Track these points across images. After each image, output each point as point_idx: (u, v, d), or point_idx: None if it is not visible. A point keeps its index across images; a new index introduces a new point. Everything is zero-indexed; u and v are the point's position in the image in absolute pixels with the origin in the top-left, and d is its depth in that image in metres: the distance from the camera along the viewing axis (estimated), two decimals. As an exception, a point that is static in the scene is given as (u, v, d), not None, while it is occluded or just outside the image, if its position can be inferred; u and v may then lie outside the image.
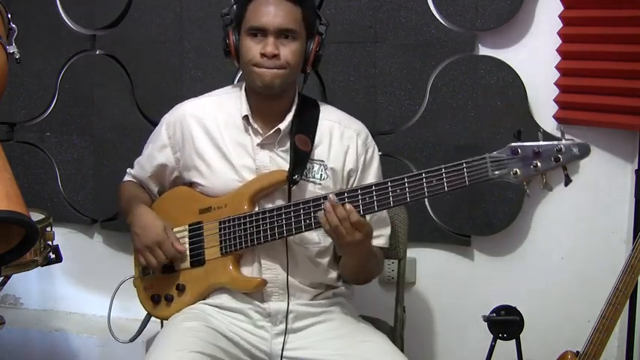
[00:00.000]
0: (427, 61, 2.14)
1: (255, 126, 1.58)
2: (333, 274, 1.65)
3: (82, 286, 2.60)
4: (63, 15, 2.42)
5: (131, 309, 1.81)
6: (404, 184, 1.39)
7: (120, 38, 2.38)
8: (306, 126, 1.59)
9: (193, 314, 1.56)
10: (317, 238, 1.59)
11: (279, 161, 1.57)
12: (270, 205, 1.54)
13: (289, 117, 1.58)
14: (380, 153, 2.17)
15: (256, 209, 1.54)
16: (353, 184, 1.60)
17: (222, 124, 1.60)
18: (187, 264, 1.60)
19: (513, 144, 1.34)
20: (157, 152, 1.68)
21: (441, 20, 2.13)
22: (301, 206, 1.47)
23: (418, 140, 2.18)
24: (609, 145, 2.09)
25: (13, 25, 1.28)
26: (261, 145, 1.58)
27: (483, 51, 2.14)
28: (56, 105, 2.47)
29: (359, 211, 1.40)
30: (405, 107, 2.18)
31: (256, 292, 1.56)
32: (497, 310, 1.85)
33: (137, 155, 1.77)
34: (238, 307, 1.57)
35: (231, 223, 1.55)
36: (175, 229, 1.62)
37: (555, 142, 1.31)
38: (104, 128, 2.42)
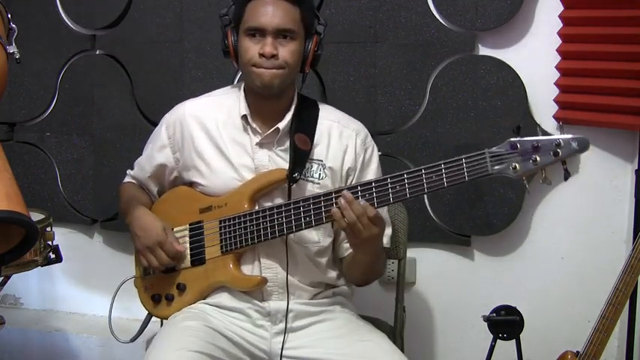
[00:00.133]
0: (427, 61, 2.14)
1: (254, 125, 1.58)
2: (333, 274, 1.65)
3: (82, 286, 2.60)
4: (63, 15, 2.42)
5: (132, 309, 1.82)
6: (403, 180, 1.39)
7: (120, 38, 2.38)
8: (305, 125, 1.59)
9: (193, 314, 1.56)
10: (316, 237, 1.59)
11: (277, 160, 1.57)
12: (269, 204, 1.54)
13: (288, 116, 1.58)
14: (380, 153, 2.18)
15: (256, 208, 1.54)
16: (351, 183, 1.61)
17: (222, 124, 1.61)
18: (188, 263, 1.61)
19: (512, 139, 1.34)
20: (156, 152, 1.68)
21: (441, 20, 2.13)
22: (301, 204, 1.47)
23: (418, 140, 2.18)
24: (609, 145, 2.09)
25: (13, 25, 1.28)
26: (260, 145, 1.58)
27: (483, 51, 2.14)
28: (56, 105, 2.47)
29: None
30: (405, 107, 2.18)
31: (256, 291, 1.56)
32: (497, 310, 1.85)
33: (137, 155, 1.77)
34: (238, 306, 1.57)
35: (232, 222, 1.55)
36: (176, 229, 1.62)
37: (554, 137, 1.31)
38: (104, 128, 2.42)
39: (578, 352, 1.75)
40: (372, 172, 1.64)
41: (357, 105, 2.19)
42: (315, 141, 1.59)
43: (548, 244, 2.18)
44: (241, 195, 1.55)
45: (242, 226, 1.53)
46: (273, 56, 1.49)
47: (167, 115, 1.70)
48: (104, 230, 2.52)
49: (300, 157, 1.55)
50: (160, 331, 1.57)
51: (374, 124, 2.18)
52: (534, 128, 1.36)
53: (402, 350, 1.78)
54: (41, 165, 2.50)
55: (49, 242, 1.88)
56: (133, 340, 1.70)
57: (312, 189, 1.56)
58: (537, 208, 2.18)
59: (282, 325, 1.54)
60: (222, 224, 1.56)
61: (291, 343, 1.54)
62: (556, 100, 2.08)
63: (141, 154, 1.76)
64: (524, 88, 2.08)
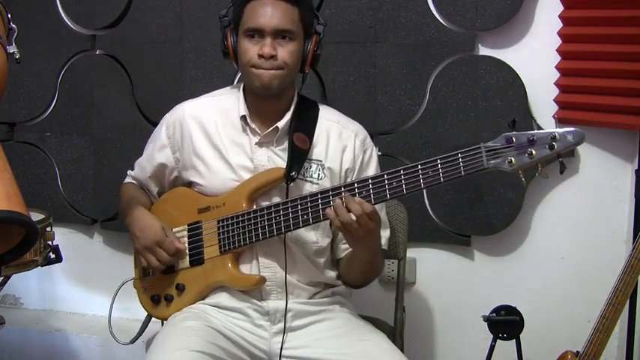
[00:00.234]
0: (427, 61, 2.14)
1: (253, 126, 1.58)
2: (332, 274, 1.65)
3: (82, 286, 2.60)
4: (63, 15, 2.42)
5: (131, 309, 1.82)
6: (400, 176, 1.39)
7: (120, 38, 2.38)
8: (304, 125, 1.59)
9: (193, 313, 1.56)
10: (314, 237, 1.59)
11: (277, 160, 1.57)
12: (267, 203, 1.54)
13: (287, 116, 1.58)
14: (379, 153, 2.18)
15: (254, 207, 1.54)
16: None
17: (221, 125, 1.61)
18: (187, 263, 1.61)
19: (508, 133, 1.34)
20: (156, 152, 1.68)
21: (441, 20, 2.13)
22: (298, 202, 1.47)
23: (418, 140, 2.18)
24: (609, 145, 2.09)
25: (13, 25, 1.28)
26: (260, 144, 1.58)
27: (483, 51, 2.14)
28: (56, 105, 2.47)
29: None
30: (405, 107, 2.18)
31: (255, 290, 1.56)
32: (497, 310, 1.85)
33: (137, 155, 1.77)
34: (237, 306, 1.57)
35: (230, 222, 1.55)
36: (175, 229, 1.63)
37: (550, 130, 1.31)
38: (104, 128, 2.42)
39: (578, 352, 1.75)
40: (372, 173, 1.63)
41: (357, 105, 2.19)
42: (314, 141, 1.59)
43: (548, 244, 2.18)
44: (239, 194, 1.55)
45: (240, 225, 1.53)
46: (272, 57, 1.49)
47: (167, 116, 1.70)
48: (104, 230, 2.52)
49: (299, 156, 1.55)
50: (161, 331, 1.57)
51: (374, 124, 2.18)
52: (533, 126, 1.36)
53: (402, 350, 1.78)
54: (41, 165, 2.50)
55: (49, 242, 1.88)
56: (133, 341, 1.71)
57: (310, 189, 1.55)
58: (537, 208, 2.18)
59: (281, 325, 1.54)
60: (221, 224, 1.57)
61: (291, 342, 1.54)
62: (556, 100, 2.08)
63: (141, 154, 1.76)
64: (524, 88, 2.08)
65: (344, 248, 1.64)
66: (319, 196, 1.45)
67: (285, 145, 1.57)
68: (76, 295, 2.61)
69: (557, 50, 2.04)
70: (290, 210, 1.48)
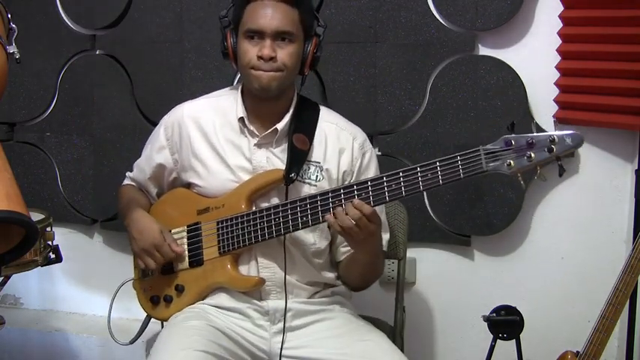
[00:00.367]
0: (427, 61, 2.14)
1: (251, 128, 1.58)
2: (331, 275, 1.65)
3: (82, 286, 2.60)
4: (63, 15, 2.42)
5: (131, 309, 1.82)
6: (399, 178, 1.39)
7: (120, 38, 2.38)
8: (304, 126, 1.59)
9: (195, 313, 1.57)
10: (312, 239, 1.59)
11: (275, 161, 1.57)
12: (266, 205, 1.54)
13: (287, 117, 1.58)
14: (379, 153, 2.19)
15: (253, 208, 1.54)
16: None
17: (219, 126, 1.61)
18: (186, 264, 1.61)
19: (507, 136, 1.34)
20: (155, 153, 1.68)
21: (441, 20, 2.13)
22: (298, 204, 1.47)
23: (418, 140, 2.18)
24: (609, 145, 2.09)
25: (13, 25, 1.28)
26: (259, 145, 1.58)
27: (483, 51, 2.14)
28: (56, 105, 2.47)
29: None
30: (405, 107, 2.18)
31: (254, 290, 1.56)
32: (497, 310, 1.85)
33: (137, 155, 1.77)
34: (237, 306, 1.57)
35: (229, 223, 1.55)
36: (174, 231, 1.62)
37: (549, 133, 1.31)
38: (104, 128, 2.42)
39: (578, 352, 1.75)
40: (371, 176, 1.63)
41: (357, 105, 2.19)
42: (313, 143, 1.58)
43: (548, 244, 2.18)
44: (238, 196, 1.55)
45: (239, 226, 1.53)
46: (272, 59, 1.49)
47: (166, 117, 1.70)
48: (104, 230, 2.52)
49: (298, 158, 1.55)
50: (163, 331, 1.57)
51: (374, 124, 2.18)
52: (531, 127, 1.36)
53: (402, 350, 1.78)
54: (41, 165, 2.50)
55: (49, 242, 1.88)
56: (133, 341, 1.71)
57: (309, 191, 1.55)
58: (537, 208, 2.18)
59: (281, 325, 1.54)
60: (220, 225, 1.57)
61: (291, 342, 1.54)
62: (556, 100, 2.08)
63: (140, 155, 1.76)
64: (524, 88, 2.08)
65: (343, 251, 1.64)
66: (318, 198, 1.45)
67: (284, 146, 1.57)
68: (76, 295, 2.61)
69: (557, 50, 2.04)
70: (289, 212, 1.48)
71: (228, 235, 1.55)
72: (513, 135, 1.33)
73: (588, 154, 2.10)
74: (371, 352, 1.49)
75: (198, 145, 1.61)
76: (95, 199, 2.46)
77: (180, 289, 1.61)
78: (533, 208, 2.18)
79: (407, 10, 2.14)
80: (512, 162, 1.32)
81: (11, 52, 1.22)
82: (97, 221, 2.51)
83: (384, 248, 1.65)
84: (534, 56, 2.09)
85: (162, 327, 1.68)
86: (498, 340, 1.86)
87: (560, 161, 1.33)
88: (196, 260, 1.60)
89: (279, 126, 1.57)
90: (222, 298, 1.59)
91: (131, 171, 1.79)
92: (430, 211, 2.21)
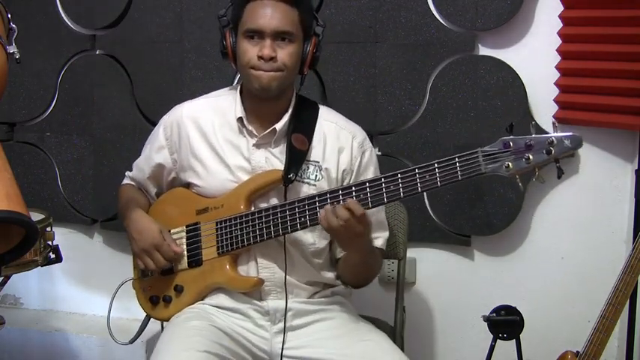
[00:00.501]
0: (427, 61, 2.14)
1: (250, 128, 1.58)
2: (330, 275, 1.65)
3: (82, 286, 2.60)
4: (63, 15, 2.42)
5: (131, 309, 1.82)
6: (397, 180, 1.39)
7: (120, 38, 2.38)
8: (303, 126, 1.59)
9: (196, 313, 1.56)
10: (312, 239, 1.59)
11: (274, 161, 1.57)
12: (265, 205, 1.54)
13: (286, 117, 1.58)
14: (379, 153, 2.19)
15: (252, 209, 1.54)
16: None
17: (218, 126, 1.61)
18: (185, 265, 1.61)
19: (505, 137, 1.33)
20: (154, 153, 1.68)
21: (441, 20, 2.13)
22: (296, 204, 1.47)
23: (418, 140, 2.18)
24: (609, 145, 2.09)
25: (13, 25, 1.28)
26: (257, 146, 1.58)
27: (483, 51, 2.14)
28: (56, 105, 2.47)
29: None
30: (405, 107, 2.18)
31: (253, 291, 1.56)
32: (497, 310, 1.85)
33: (137, 155, 1.77)
34: (237, 306, 1.57)
35: (228, 223, 1.55)
36: (173, 231, 1.62)
37: (547, 135, 1.31)
38: (104, 128, 2.42)
39: (578, 352, 1.75)
40: (371, 176, 1.62)
41: (357, 105, 2.19)
42: (312, 142, 1.58)
43: (548, 244, 2.18)
44: (237, 196, 1.55)
45: (238, 227, 1.53)
46: (272, 59, 1.48)
47: (165, 117, 1.70)
48: (104, 230, 2.52)
49: (297, 158, 1.54)
50: (165, 331, 1.57)
51: (374, 124, 2.18)
52: (529, 127, 1.36)
53: (402, 350, 1.78)
54: (41, 165, 2.50)
55: (49, 242, 1.88)
56: (132, 341, 1.71)
57: (307, 190, 1.55)
58: (537, 208, 2.18)
59: (281, 325, 1.54)
60: (219, 225, 1.56)
61: (292, 342, 1.54)
62: (556, 100, 2.08)
63: (140, 155, 1.76)
64: (524, 88, 2.08)
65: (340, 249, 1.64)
66: (317, 199, 1.45)
67: (283, 146, 1.57)
68: (76, 295, 2.61)
69: (557, 50, 2.04)
70: (287, 212, 1.48)
71: (227, 235, 1.55)
72: (512, 137, 1.33)
73: (588, 154, 2.10)
74: (371, 352, 1.49)
75: (197, 145, 1.61)
76: (95, 199, 2.46)
77: (179, 290, 1.61)
78: (533, 208, 2.17)
79: (407, 10, 2.14)
80: (510, 164, 1.32)
81: (11, 52, 1.22)
82: (97, 221, 2.51)
83: (383, 247, 1.65)
84: (534, 56, 2.09)
85: (162, 327, 1.69)
86: (498, 340, 1.86)
87: (559, 163, 1.33)
88: (195, 260, 1.60)
89: (278, 126, 1.57)
90: (222, 299, 1.59)
91: (131, 170, 1.78)
92: (430, 211, 2.21)
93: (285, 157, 1.55)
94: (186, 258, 1.61)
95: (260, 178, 1.55)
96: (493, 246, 2.22)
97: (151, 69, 2.36)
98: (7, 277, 1.92)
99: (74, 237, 2.55)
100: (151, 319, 1.70)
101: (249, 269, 1.57)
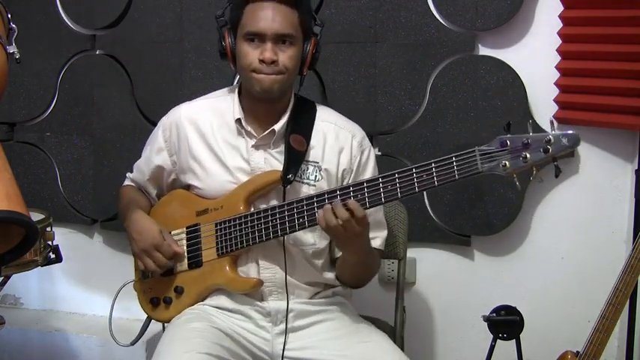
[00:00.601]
0: (427, 61, 2.14)
1: (249, 129, 1.57)
2: (330, 275, 1.65)
3: (82, 286, 2.60)
4: (63, 15, 2.42)
5: (132, 309, 1.82)
6: (394, 179, 1.39)
7: (120, 38, 2.38)
8: (302, 127, 1.59)
9: (196, 315, 1.56)
10: (312, 239, 1.59)
11: (273, 162, 1.57)
12: (264, 206, 1.54)
13: (284, 118, 1.58)
14: (379, 153, 2.19)
15: (252, 210, 1.54)
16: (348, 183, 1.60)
17: (216, 127, 1.61)
18: (185, 266, 1.61)
19: (502, 136, 1.33)
20: (154, 155, 1.68)
21: (441, 20, 2.13)
22: (295, 205, 1.47)
23: (418, 140, 2.18)
24: (609, 145, 2.09)
25: (13, 25, 1.28)
26: (256, 147, 1.58)
27: (483, 51, 2.14)
28: (56, 105, 2.47)
29: None
30: (405, 107, 2.18)
31: (253, 292, 1.56)
32: (497, 310, 1.85)
33: (137, 155, 1.77)
34: (238, 307, 1.57)
35: (228, 224, 1.55)
36: (173, 232, 1.63)
37: (544, 133, 1.30)
38: (104, 128, 2.42)
39: (578, 352, 1.75)
40: (369, 175, 1.63)
41: (357, 105, 2.19)
42: (311, 143, 1.58)
43: (548, 244, 2.18)
44: (237, 197, 1.55)
45: (237, 228, 1.53)
46: (273, 62, 1.48)
47: (164, 118, 1.70)
48: (104, 230, 2.52)
49: (295, 159, 1.54)
50: (166, 332, 1.57)
51: (374, 124, 2.18)
52: (534, 129, 1.35)
53: (403, 350, 1.78)
54: (41, 165, 2.49)
55: (49, 242, 1.88)
56: (134, 343, 1.71)
57: (307, 191, 1.55)
58: (537, 208, 2.18)
59: (283, 326, 1.54)
60: (219, 227, 1.56)
61: (293, 344, 1.54)
62: (556, 100, 2.08)
63: (140, 155, 1.76)
64: (524, 88, 2.08)
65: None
66: (315, 199, 1.44)
67: (282, 147, 1.57)
68: (76, 295, 2.61)
69: (557, 50, 2.04)
70: (286, 213, 1.48)
71: (227, 236, 1.55)
72: (509, 135, 1.33)
73: (588, 154, 2.10)
74: (372, 352, 1.49)
75: (196, 146, 1.61)
76: (95, 199, 2.46)
77: (179, 291, 1.61)
78: (533, 208, 2.17)
79: (407, 10, 2.14)
80: (507, 163, 1.32)
81: (11, 52, 1.22)
82: (97, 221, 2.51)
83: (382, 247, 1.65)
84: (534, 56, 2.09)
85: (163, 328, 1.69)
86: (498, 340, 1.86)
87: (556, 162, 1.32)
88: (195, 262, 1.60)
89: (277, 127, 1.56)
90: (223, 300, 1.59)
91: (131, 172, 1.79)
92: (430, 211, 2.21)
93: (283, 158, 1.55)
94: (186, 259, 1.61)
95: (259, 179, 1.55)
96: (493, 246, 2.22)
97: (151, 69, 2.36)
98: (7, 277, 1.92)
99: (74, 237, 2.55)
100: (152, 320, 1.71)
101: (249, 270, 1.57)
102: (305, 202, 1.46)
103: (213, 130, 1.60)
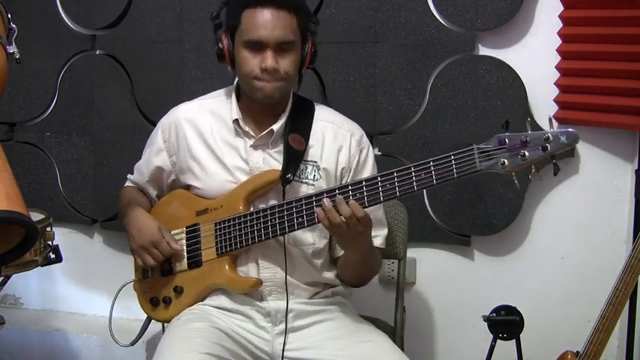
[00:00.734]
0: (427, 61, 2.14)
1: (247, 129, 1.57)
2: (330, 274, 1.65)
3: (82, 286, 2.60)
4: (63, 15, 2.42)
5: (132, 309, 1.82)
6: (393, 178, 1.39)
7: (120, 38, 2.38)
8: (300, 126, 1.59)
9: (196, 315, 1.56)
10: (312, 239, 1.59)
11: (272, 162, 1.57)
12: (264, 205, 1.54)
13: (283, 118, 1.58)
14: (379, 153, 2.19)
15: (251, 209, 1.54)
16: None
17: (215, 127, 1.61)
18: (184, 266, 1.61)
19: (500, 134, 1.33)
20: (153, 156, 1.69)
21: (441, 20, 2.13)
22: (294, 204, 1.47)
23: (418, 140, 2.18)
24: (609, 145, 2.09)
25: (13, 25, 1.28)
26: (255, 147, 1.58)
27: (483, 51, 2.14)
28: (56, 105, 2.47)
29: None
30: (405, 107, 2.18)
31: (252, 292, 1.56)
32: (497, 310, 1.85)
33: (137, 155, 1.77)
34: (238, 307, 1.57)
35: (227, 224, 1.55)
36: (173, 232, 1.63)
37: (543, 131, 1.30)
38: (104, 128, 2.42)
39: (578, 352, 1.75)
40: (368, 173, 1.63)
41: (357, 105, 2.19)
42: (309, 142, 1.58)
43: (548, 244, 2.18)
44: (236, 197, 1.55)
45: (237, 227, 1.53)
46: (275, 70, 1.48)
47: (163, 119, 1.70)
48: (104, 230, 2.52)
49: (294, 158, 1.54)
50: (166, 333, 1.56)
51: (374, 124, 2.18)
52: (534, 129, 1.35)
53: (402, 350, 1.78)
54: (41, 165, 2.50)
55: (49, 242, 1.88)
56: (133, 343, 1.71)
57: (306, 190, 1.55)
58: (537, 208, 2.18)
59: (282, 326, 1.54)
60: (218, 226, 1.56)
61: (293, 344, 1.54)
62: (556, 100, 2.08)
63: (140, 155, 1.76)
64: (524, 88, 2.08)
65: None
66: (314, 198, 1.44)
67: (281, 147, 1.57)
68: (76, 295, 2.61)
69: (557, 50, 2.04)
70: (285, 212, 1.47)
71: (226, 236, 1.55)
72: (507, 133, 1.32)
73: (588, 154, 2.10)
74: (372, 352, 1.49)
75: (195, 146, 1.61)
76: (95, 199, 2.46)
77: (179, 291, 1.61)
78: (533, 208, 2.17)
79: (407, 10, 2.14)
80: (505, 161, 1.31)
81: (11, 52, 1.22)
82: (97, 221, 2.51)
83: (383, 245, 1.65)
84: (534, 56, 2.09)
85: (163, 327, 1.69)
86: (498, 340, 1.86)
87: (555, 160, 1.32)
88: (195, 261, 1.60)
89: (275, 127, 1.56)
90: (223, 300, 1.59)
91: (132, 173, 1.79)
92: (430, 211, 2.21)
93: (282, 157, 1.55)
94: (185, 259, 1.61)
95: (258, 179, 1.55)
96: (493, 246, 2.22)
97: (151, 69, 2.36)
98: (7, 277, 1.92)
99: (74, 237, 2.55)
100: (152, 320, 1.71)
101: (249, 270, 1.57)
102: (304, 202, 1.46)
103: (212, 130, 1.60)
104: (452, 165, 1.34)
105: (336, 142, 1.61)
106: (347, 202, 1.38)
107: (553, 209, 2.16)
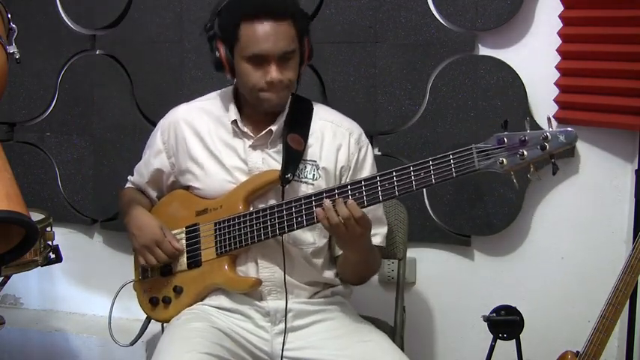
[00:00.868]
0: (427, 61, 2.14)
1: (245, 129, 1.58)
2: (330, 274, 1.65)
3: (82, 286, 2.60)
4: (63, 15, 2.42)
5: (131, 309, 1.82)
6: (392, 178, 1.39)
7: (120, 38, 2.38)
8: (299, 126, 1.59)
9: (196, 315, 1.56)
10: (311, 238, 1.59)
11: (271, 162, 1.57)
12: (263, 205, 1.54)
13: (281, 118, 1.57)
14: (379, 153, 2.19)
15: (250, 209, 1.54)
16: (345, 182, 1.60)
17: (213, 128, 1.61)
18: (184, 266, 1.61)
19: (499, 134, 1.33)
20: (152, 158, 1.69)
21: (441, 20, 2.13)
22: (293, 204, 1.47)
23: (418, 140, 2.17)
24: (609, 145, 2.09)
25: (13, 25, 1.28)
26: (254, 147, 1.58)
27: (483, 51, 2.13)
28: (56, 105, 2.47)
29: None
30: (405, 107, 2.18)
31: (252, 291, 1.56)
32: (497, 310, 1.85)
33: (137, 155, 1.77)
34: (238, 307, 1.57)
35: (227, 224, 1.55)
36: (173, 232, 1.63)
37: (541, 131, 1.30)
38: (104, 128, 2.42)
39: (578, 352, 1.75)
40: (367, 172, 1.63)
41: (357, 105, 2.19)
42: (308, 141, 1.58)
43: (548, 244, 2.18)
44: (236, 197, 1.55)
45: (236, 227, 1.53)
46: (281, 81, 1.48)
47: (162, 120, 1.70)
48: (104, 230, 2.52)
49: (293, 158, 1.54)
50: (165, 333, 1.57)
51: (374, 124, 2.18)
52: (534, 129, 1.35)
53: (402, 350, 1.78)
54: (41, 165, 2.50)
55: (49, 242, 1.88)
56: (133, 343, 1.71)
57: (306, 190, 1.55)
58: (537, 208, 2.18)
59: (282, 326, 1.54)
60: (217, 226, 1.57)
61: (293, 344, 1.54)
62: (556, 100, 2.08)
63: (141, 155, 1.76)
64: (524, 88, 2.08)
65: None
66: (313, 198, 1.44)
67: (280, 147, 1.57)
68: (76, 295, 2.61)
69: (557, 50, 2.04)
70: (285, 212, 1.47)
71: (225, 236, 1.55)
72: (506, 133, 1.32)
73: (588, 154, 2.10)
74: (371, 352, 1.49)
75: (194, 147, 1.61)
76: (95, 199, 2.46)
77: (178, 291, 1.61)
78: (533, 208, 2.17)
79: (407, 10, 2.14)
80: (504, 160, 1.31)
81: (11, 52, 1.22)
82: (97, 221, 2.51)
83: (383, 243, 1.65)
84: (534, 56, 2.09)
85: (162, 327, 1.69)
86: (498, 340, 1.86)
87: (554, 159, 1.32)
88: (194, 261, 1.60)
89: (274, 127, 1.56)
90: (223, 300, 1.59)
91: (132, 174, 1.79)
92: (430, 211, 2.21)
93: (281, 157, 1.55)
94: (185, 259, 1.61)
95: (258, 179, 1.55)
96: (493, 246, 2.22)
97: (151, 69, 2.36)
98: (7, 277, 1.92)
99: (74, 237, 2.55)
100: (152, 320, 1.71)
101: (248, 270, 1.57)
102: (303, 201, 1.46)
103: (211, 130, 1.61)
104: (451, 164, 1.34)
105: (335, 141, 1.60)
106: (345, 203, 1.38)
107: (553, 209, 2.16)
